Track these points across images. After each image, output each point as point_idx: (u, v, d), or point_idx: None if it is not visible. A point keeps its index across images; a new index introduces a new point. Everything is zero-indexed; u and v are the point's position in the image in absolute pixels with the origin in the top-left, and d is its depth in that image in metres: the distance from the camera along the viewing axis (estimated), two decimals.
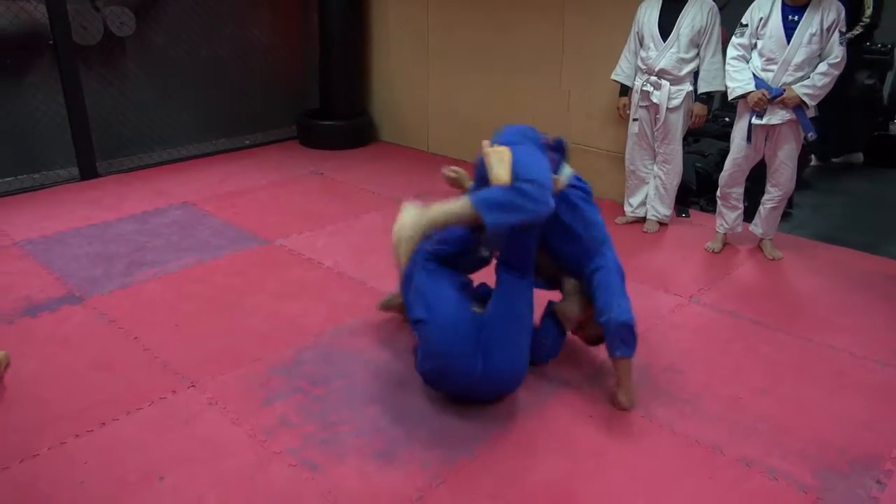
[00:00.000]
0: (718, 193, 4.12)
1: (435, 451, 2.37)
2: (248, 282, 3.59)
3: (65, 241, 4.02)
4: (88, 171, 5.14)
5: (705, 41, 4.05)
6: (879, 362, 2.97)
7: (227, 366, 2.83)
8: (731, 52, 3.86)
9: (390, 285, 3.55)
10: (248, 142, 6.29)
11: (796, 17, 3.62)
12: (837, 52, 3.59)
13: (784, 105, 3.69)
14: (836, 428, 2.53)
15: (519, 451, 2.39)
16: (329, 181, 5.29)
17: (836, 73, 3.62)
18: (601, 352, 2.96)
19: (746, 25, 3.79)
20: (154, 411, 2.55)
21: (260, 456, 2.32)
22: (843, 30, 3.59)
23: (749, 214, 4.20)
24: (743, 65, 3.82)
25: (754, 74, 3.77)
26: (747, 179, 4.06)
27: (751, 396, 2.71)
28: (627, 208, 4.56)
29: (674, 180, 4.36)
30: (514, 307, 2.57)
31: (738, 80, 3.80)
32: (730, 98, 3.92)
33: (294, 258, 3.89)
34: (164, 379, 2.74)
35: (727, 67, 3.87)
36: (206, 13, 5.76)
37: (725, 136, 5.25)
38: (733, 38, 3.85)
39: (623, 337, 2.56)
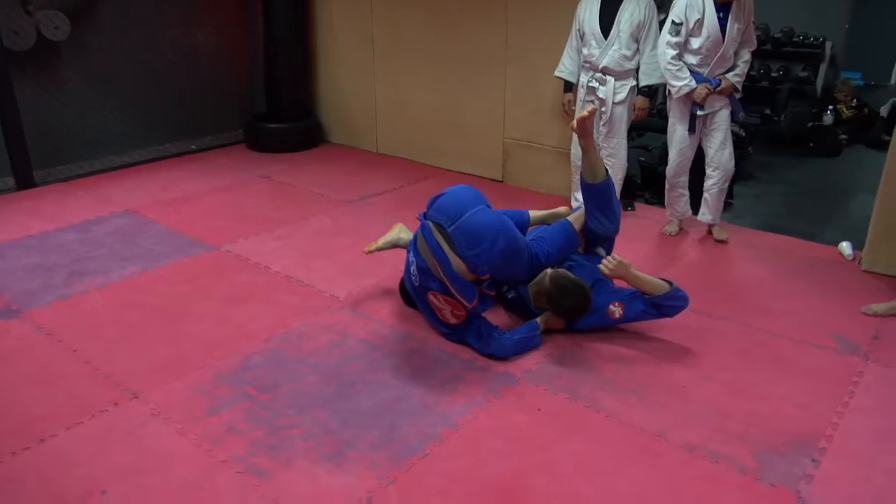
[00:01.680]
0: (667, 184, 4.27)
1: (384, 451, 2.36)
2: (195, 289, 3.53)
3: (0, 253, 3.89)
4: (25, 181, 4.97)
5: (644, 35, 4.13)
6: (816, 345, 3.07)
7: (172, 375, 2.78)
8: (668, 51, 3.95)
9: (340, 288, 3.54)
10: (194, 147, 6.17)
11: (722, 14, 3.83)
12: (754, 41, 3.98)
13: (721, 94, 3.92)
14: (775, 410, 2.61)
15: (468, 447, 2.40)
16: (277, 185, 5.23)
17: (750, 57, 4.02)
18: (547, 346, 3.02)
19: (681, 24, 3.89)
20: (95, 425, 2.49)
21: (205, 465, 2.28)
22: (754, 19, 3.93)
23: (693, 206, 4.32)
24: (682, 63, 3.96)
25: (690, 70, 3.94)
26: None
27: (694, 383, 2.78)
28: (574, 203, 4.61)
29: (618, 174, 4.43)
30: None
31: (682, 79, 3.94)
32: (674, 96, 4.03)
33: (241, 264, 3.83)
34: (106, 391, 2.67)
35: (668, 66, 3.97)
36: (145, 16, 5.62)
37: None
38: (668, 37, 3.95)
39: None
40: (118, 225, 4.34)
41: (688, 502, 2.16)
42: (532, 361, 2.91)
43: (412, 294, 3.03)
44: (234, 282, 3.62)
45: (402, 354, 2.96)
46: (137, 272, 3.70)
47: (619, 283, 3.09)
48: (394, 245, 3.40)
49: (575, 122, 2.98)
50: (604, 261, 2.91)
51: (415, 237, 2.91)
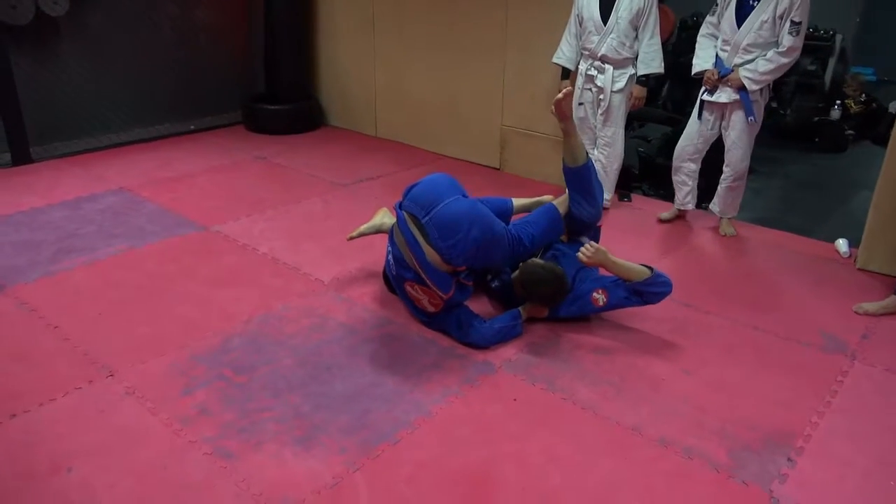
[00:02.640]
0: (673, 166, 4.22)
1: (355, 436, 2.35)
2: (180, 268, 3.52)
3: None
4: (21, 157, 4.97)
5: (643, 24, 4.06)
6: (802, 342, 3.02)
7: (150, 354, 2.77)
8: (701, 29, 3.97)
9: (325, 271, 3.53)
10: (192, 126, 6.14)
11: (755, 3, 3.68)
12: (786, 42, 3.64)
13: (730, 85, 3.79)
14: (755, 408, 2.57)
15: (441, 435, 2.38)
16: (272, 166, 5.21)
17: (785, 60, 3.69)
18: (528, 335, 2.99)
19: (718, 4, 3.88)
20: (69, 401, 2.48)
21: (173, 445, 2.27)
22: (797, 19, 3.61)
23: (706, 196, 4.27)
24: (709, 42, 3.92)
25: (717, 54, 3.87)
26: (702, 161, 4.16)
27: (674, 377, 2.74)
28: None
29: (615, 164, 4.38)
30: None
31: (700, 57, 3.93)
32: (692, 73, 4.01)
33: (229, 244, 3.82)
34: (83, 368, 2.67)
35: (696, 43, 3.96)
36: None
37: (669, 122, 5.32)
38: (707, 15, 3.96)
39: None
40: (110, 203, 4.33)
41: (657, 497, 2.14)
42: (512, 351, 2.88)
43: (392, 282, 3.01)
44: (221, 262, 3.60)
45: (381, 340, 2.94)
46: (125, 250, 3.69)
47: (603, 272, 3.05)
48: (377, 230, 3.37)
49: (553, 105, 2.93)
50: (582, 248, 2.87)
51: (392, 227, 2.88)
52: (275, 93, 6.13)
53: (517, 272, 2.93)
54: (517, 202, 3.23)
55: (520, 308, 3.01)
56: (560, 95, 2.90)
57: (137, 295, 3.25)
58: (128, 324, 3.00)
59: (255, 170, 5.11)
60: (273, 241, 3.85)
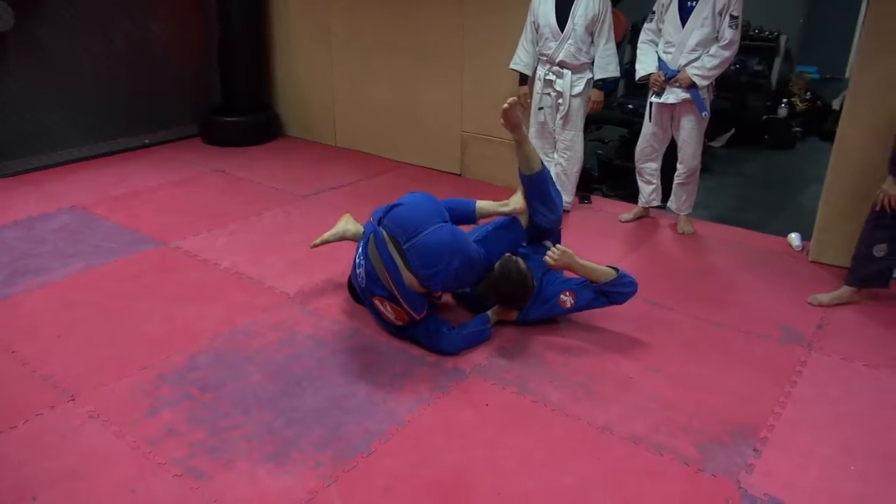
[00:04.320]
0: (636, 169, 4.34)
1: (329, 450, 2.33)
2: (140, 287, 3.45)
3: None
4: None
5: (598, 29, 4.13)
6: (762, 336, 3.11)
7: (112, 376, 2.71)
8: (641, 36, 4.10)
9: (290, 284, 3.50)
10: (147, 141, 6.02)
11: (694, 3, 3.82)
12: (727, 35, 3.78)
13: (679, 85, 3.89)
14: (720, 401, 2.64)
15: (414, 444, 2.38)
16: (231, 179, 5.14)
17: (727, 54, 3.82)
18: (497, 339, 3.01)
19: (655, 11, 4.01)
20: (30, 428, 2.41)
21: (142, 468, 2.23)
22: (735, 14, 3.76)
23: (665, 195, 4.39)
24: (650, 48, 4.04)
25: (659, 57, 3.99)
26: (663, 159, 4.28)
27: (642, 375, 2.79)
28: None
29: (574, 166, 4.44)
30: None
31: (643, 62, 4.06)
32: (636, 79, 4.14)
33: (191, 260, 3.76)
34: (43, 394, 2.59)
35: (637, 51, 4.09)
36: (96, 6, 5.46)
37: (627, 124, 5.42)
38: (645, 23, 4.08)
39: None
40: (64, 222, 4.22)
41: (629, 495, 2.17)
42: (482, 356, 2.90)
43: (359, 292, 3.00)
44: (182, 279, 3.54)
45: (350, 351, 2.92)
46: (82, 270, 3.60)
47: (568, 274, 3.09)
48: (341, 237, 3.36)
49: (501, 115, 2.92)
50: (548, 252, 2.91)
51: (365, 240, 2.85)
52: (231, 104, 6.06)
53: (495, 265, 2.93)
54: (480, 205, 3.22)
55: (488, 312, 3.03)
56: (506, 105, 2.89)
57: (96, 315, 3.17)
58: (88, 345, 2.93)
59: (213, 183, 5.04)
60: (235, 255, 3.80)
